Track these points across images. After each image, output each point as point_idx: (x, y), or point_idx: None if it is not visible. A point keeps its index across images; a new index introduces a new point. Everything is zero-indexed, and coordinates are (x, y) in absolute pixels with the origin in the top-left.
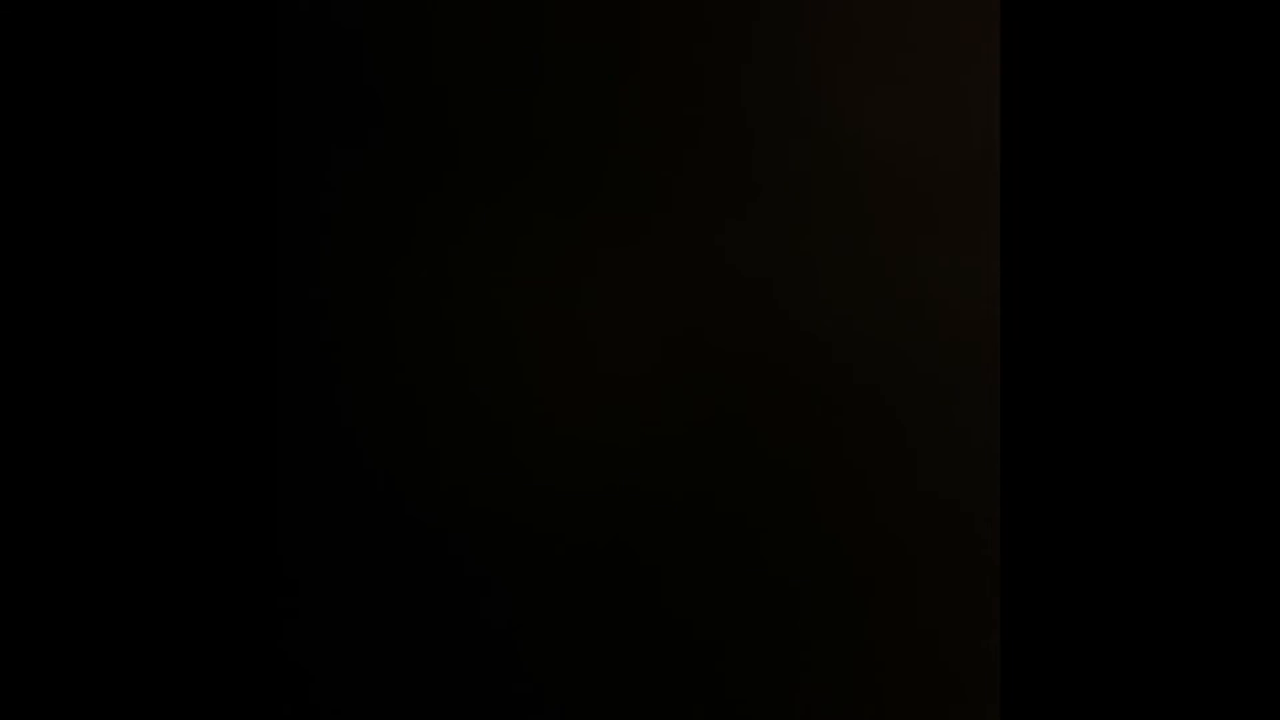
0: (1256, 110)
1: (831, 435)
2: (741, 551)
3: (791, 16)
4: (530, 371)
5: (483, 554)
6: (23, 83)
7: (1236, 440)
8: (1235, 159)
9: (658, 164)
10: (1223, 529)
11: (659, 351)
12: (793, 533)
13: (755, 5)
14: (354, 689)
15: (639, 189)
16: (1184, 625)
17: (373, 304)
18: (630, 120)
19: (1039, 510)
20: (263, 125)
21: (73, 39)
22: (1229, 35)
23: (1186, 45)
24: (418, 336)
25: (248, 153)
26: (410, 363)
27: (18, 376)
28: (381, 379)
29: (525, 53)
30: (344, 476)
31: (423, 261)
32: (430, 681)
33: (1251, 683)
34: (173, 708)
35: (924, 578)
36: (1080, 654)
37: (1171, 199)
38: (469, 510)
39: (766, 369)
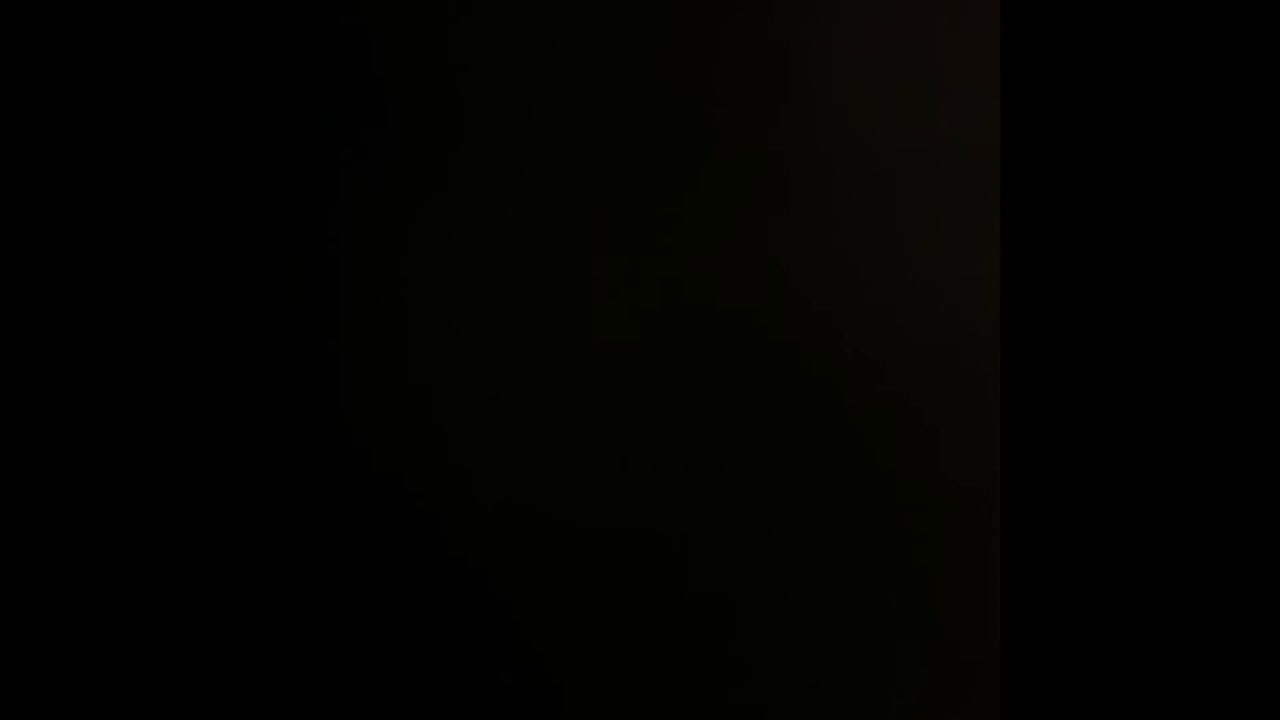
0: (1256, 110)
1: (840, 420)
2: (751, 535)
3: (799, 17)
4: (539, 359)
5: (492, 543)
6: (27, 82)
7: (1237, 436)
8: (1235, 157)
9: (667, 160)
10: (1224, 526)
11: (668, 342)
12: (802, 519)
13: (767, 6)
14: (363, 679)
15: (649, 182)
16: (1185, 624)
17: (380, 297)
18: (640, 116)
19: (1039, 508)
20: (269, 120)
21: (77, 38)
22: (1229, 35)
23: (1187, 45)
24: (425, 329)
25: (254, 148)
26: (417, 355)
27: (23, 375)
28: (388, 373)
29: (533, 49)
30: (351, 467)
31: (430, 254)
32: (440, 669)
33: (1252, 682)
34: (180, 699)
35: (926, 567)
36: (1080, 653)
37: (1170, 195)
38: (479, 499)
39: (778, 356)
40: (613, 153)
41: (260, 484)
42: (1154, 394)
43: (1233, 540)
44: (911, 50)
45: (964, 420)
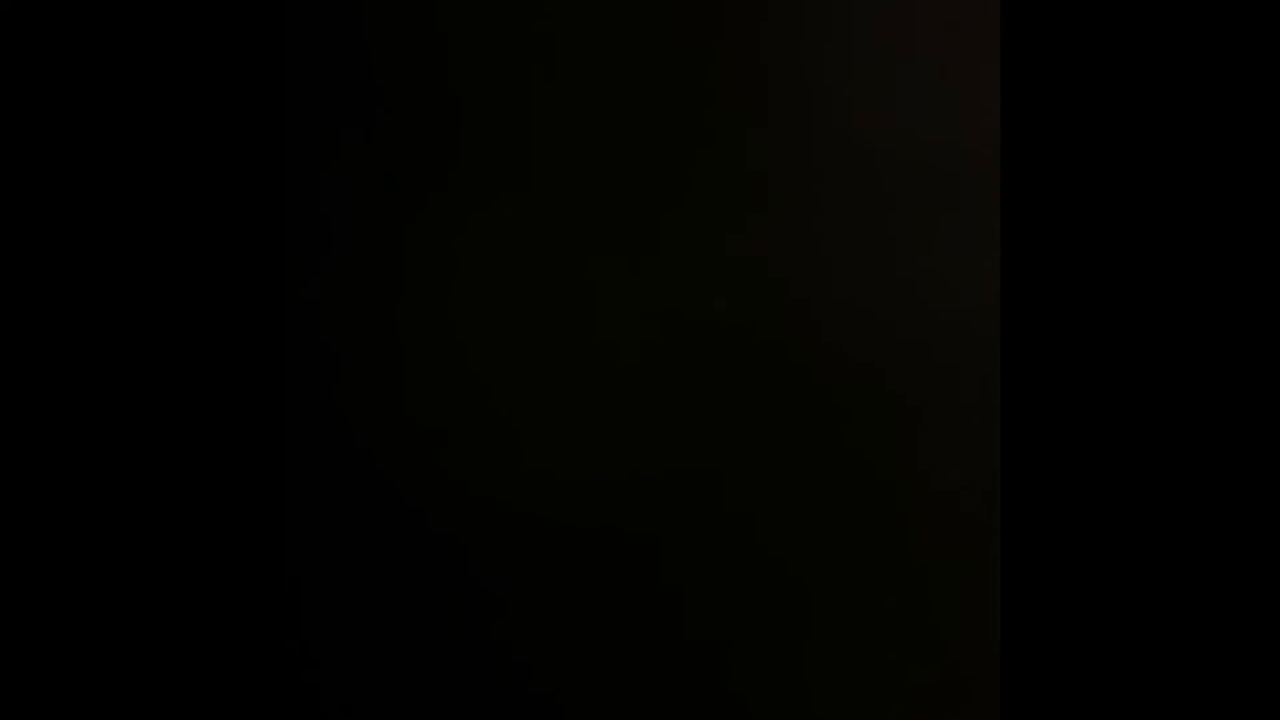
0: (1257, 109)
1: (840, 422)
2: (750, 538)
3: (799, 19)
4: (538, 364)
5: (492, 545)
6: (27, 82)
7: (1237, 436)
8: (1235, 157)
9: (666, 162)
10: (1224, 527)
11: (667, 342)
12: (802, 521)
13: (764, 5)
14: (363, 679)
15: (648, 185)
16: (1185, 624)
17: (380, 298)
18: (638, 118)
19: (1039, 508)
20: (269, 120)
21: (77, 38)
22: (1229, 35)
23: (1187, 44)
24: (425, 329)
25: (254, 148)
26: (417, 356)
27: (23, 375)
28: (388, 374)
29: (533, 50)
30: (351, 467)
31: (430, 255)
32: (440, 671)
33: (1252, 682)
34: (180, 700)
35: (926, 569)
36: (1080, 653)
37: (1171, 195)
38: (478, 501)
39: (777, 357)
40: (612, 155)
41: (260, 484)
42: (1154, 394)
43: (1233, 540)
44: (911, 50)
45: (964, 421)
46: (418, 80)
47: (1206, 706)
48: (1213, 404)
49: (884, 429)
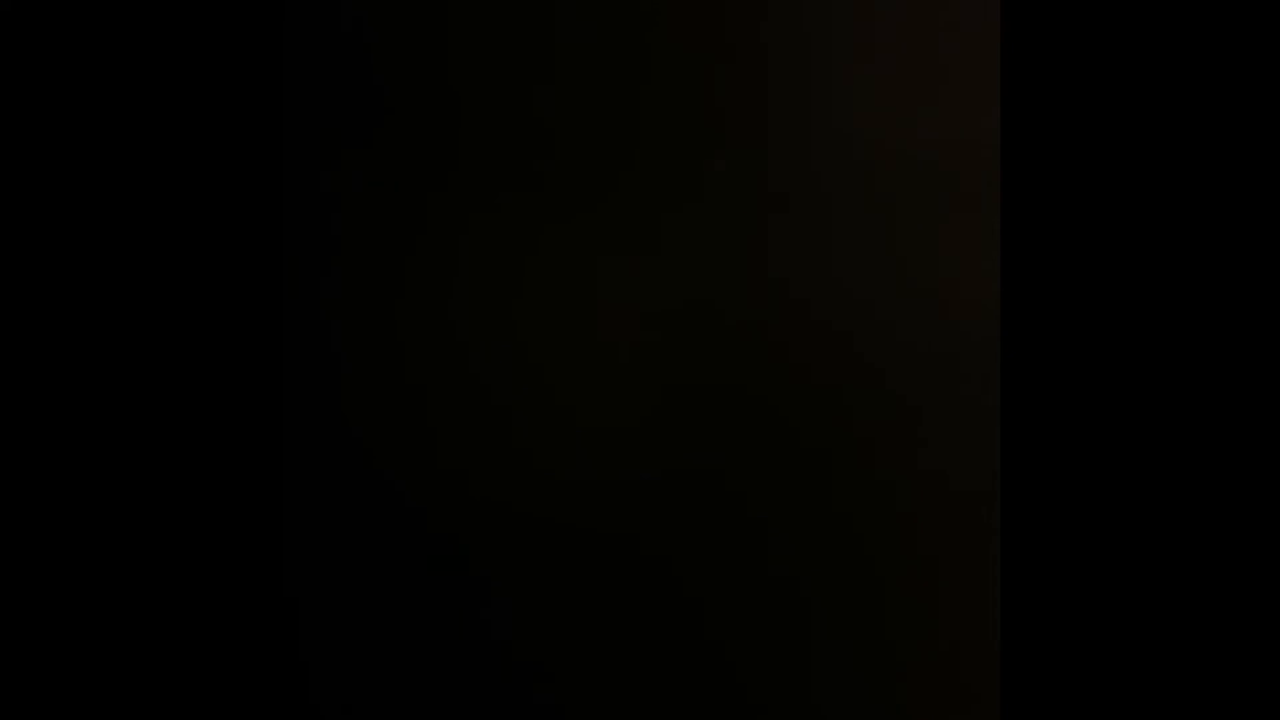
0: (1257, 109)
1: (840, 423)
2: (751, 539)
3: (799, 20)
4: (538, 364)
5: (493, 546)
6: (27, 82)
7: (1237, 437)
8: (1236, 158)
9: (667, 161)
10: (1224, 528)
11: (667, 342)
12: (802, 522)
13: (764, 5)
14: (362, 680)
15: (649, 184)
16: (1185, 624)
17: (380, 299)
18: (639, 118)
19: (1039, 509)
20: (269, 120)
21: (79, 38)
22: (1229, 34)
23: (1187, 44)
24: (425, 330)
25: (254, 148)
26: (417, 357)
27: (23, 375)
28: (388, 374)
29: (535, 52)
30: (351, 467)
31: (430, 256)
32: (440, 671)
33: (1252, 682)
34: (179, 700)
35: (926, 568)
36: (1080, 653)
37: (1172, 196)
38: (479, 502)
39: (778, 358)
40: (612, 155)
41: (260, 484)
42: (1154, 394)
43: (1233, 541)
44: (911, 50)
45: (964, 421)
46: (418, 80)
47: (1206, 706)
48: (1213, 403)
49: (884, 428)
